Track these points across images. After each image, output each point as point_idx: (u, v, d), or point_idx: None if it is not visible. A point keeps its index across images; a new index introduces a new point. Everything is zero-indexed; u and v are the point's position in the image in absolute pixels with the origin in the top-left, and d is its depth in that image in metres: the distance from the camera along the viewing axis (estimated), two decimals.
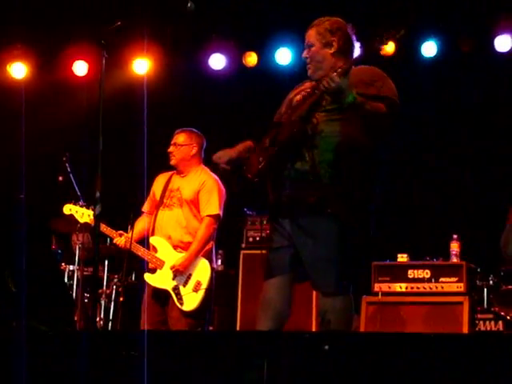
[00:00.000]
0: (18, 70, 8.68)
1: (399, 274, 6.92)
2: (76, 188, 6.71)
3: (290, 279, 4.28)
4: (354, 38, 4.43)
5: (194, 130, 6.30)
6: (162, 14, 7.72)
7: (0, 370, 3.07)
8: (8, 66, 8.69)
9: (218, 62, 8.66)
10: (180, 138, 6.23)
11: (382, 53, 8.03)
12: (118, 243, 6.10)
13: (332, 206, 4.14)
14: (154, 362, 2.92)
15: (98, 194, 4.01)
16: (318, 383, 2.91)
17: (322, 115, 4.21)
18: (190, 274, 5.97)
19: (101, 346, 3.09)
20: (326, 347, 2.94)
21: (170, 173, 6.30)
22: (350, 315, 4.31)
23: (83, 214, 6.21)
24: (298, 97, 4.40)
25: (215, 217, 6.07)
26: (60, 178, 6.79)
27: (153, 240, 6.08)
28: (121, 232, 6.10)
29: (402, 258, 7.04)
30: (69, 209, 6.26)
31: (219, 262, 6.30)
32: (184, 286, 5.95)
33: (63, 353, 3.10)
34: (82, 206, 6.25)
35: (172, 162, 6.21)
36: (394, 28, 4.27)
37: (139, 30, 8.08)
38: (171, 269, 5.96)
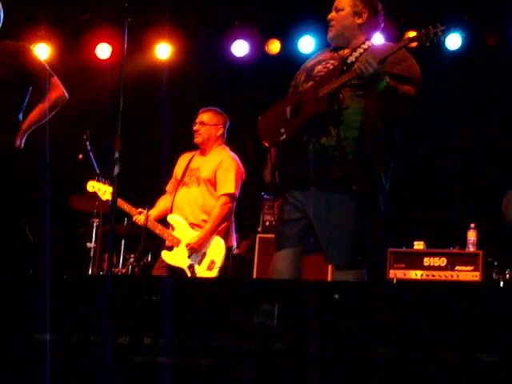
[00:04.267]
0: (42, 51, 8.73)
1: (415, 261, 6.93)
2: (95, 166, 6.76)
3: (300, 251, 4.25)
4: (382, 16, 4.41)
5: (218, 109, 6.34)
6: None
7: (24, 317, 3.13)
8: (32, 47, 8.75)
9: (240, 48, 8.67)
10: (205, 116, 6.27)
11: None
12: (137, 221, 6.15)
13: (356, 183, 4.10)
14: (174, 306, 2.98)
15: (116, 155, 4.05)
16: (328, 331, 2.95)
17: (348, 90, 4.16)
18: (205, 253, 6.01)
19: (122, 290, 3.14)
20: (336, 296, 2.96)
21: (193, 152, 6.34)
22: None
23: (105, 192, 6.27)
24: (320, 67, 4.33)
25: (230, 195, 6.09)
26: (80, 156, 6.84)
27: (170, 218, 6.12)
28: (140, 210, 6.15)
29: (419, 245, 7.04)
30: (92, 186, 6.33)
31: (235, 244, 6.29)
32: (199, 264, 5.99)
33: (85, 297, 3.16)
34: (104, 184, 6.30)
35: (197, 140, 6.24)
36: (435, 24, 4.19)
37: (162, 14, 8.18)
38: (186, 247, 6.00)
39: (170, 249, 6.07)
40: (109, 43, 8.76)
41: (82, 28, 8.71)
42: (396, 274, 6.89)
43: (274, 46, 8.64)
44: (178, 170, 6.29)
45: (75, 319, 3.12)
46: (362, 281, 4.18)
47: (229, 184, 6.09)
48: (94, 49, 8.81)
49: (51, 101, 5.01)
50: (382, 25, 4.47)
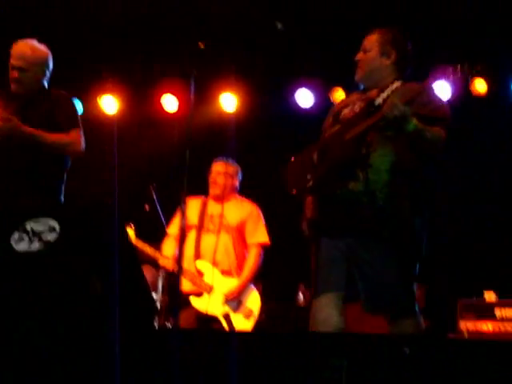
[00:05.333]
0: (109, 104, 8.89)
1: (486, 312, 6.77)
2: (161, 217, 6.80)
3: (343, 296, 4.07)
4: (411, 55, 4.33)
5: (231, 159, 6.40)
6: (250, 48, 7.86)
7: (95, 371, 3.14)
8: (99, 99, 8.92)
9: (305, 98, 8.68)
10: (223, 167, 6.29)
11: (473, 92, 8.01)
12: (164, 265, 6.16)
13: (387, 230, 3.97)
14: (240, 361, 2.95)
15: (183, 207, 4.08)
16: None
17: (376, 132, 4.04)
18: (241, 301, 6.03)
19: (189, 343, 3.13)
20: (407, 350, 2.88)
21: (201, 197, 6.37)
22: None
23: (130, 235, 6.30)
24: (347, 111, 4.24)
25: (264, 245, 6.21)
26: (146, 208, 6.89)
27: (199, 264, 6.12)
28: (166, 255, 6.18)
29: (489, 295, 6.88)
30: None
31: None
32: (234, 312, 5.98)
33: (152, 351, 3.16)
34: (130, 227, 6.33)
35: (215, 191, 6.28)
36: (473, 63, 4.13)
37: (228, 66, 8.26)
38: (225, 295, 5.99)
39: (200, 295, 6.05)
40: (175, 95, 8.87)
41: (148, 80, 8.84)
42: (466, 325, 6.73)
43: (339, 94, 8.63)
44: (192, 214, 6.26)
45: (144, 373, 3.11)
46: (420, 329, 4.05)
47: (263, 234, 6.21)
48: (161, 101, 8.92)
49: (65, 139, 4.92)
50: (413, 63, 4.35)
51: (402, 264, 4.02)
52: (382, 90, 4.16)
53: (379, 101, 4.08)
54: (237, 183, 6.37)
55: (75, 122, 4.97)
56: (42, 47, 5.06)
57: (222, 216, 6.16)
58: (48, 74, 5.07)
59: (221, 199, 6.24)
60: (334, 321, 3.99)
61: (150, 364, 3.13)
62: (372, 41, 4.29)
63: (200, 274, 6.11)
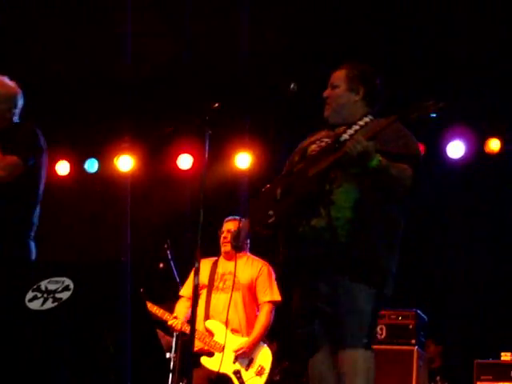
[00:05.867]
0: (125, 163, 8.96)
1: (502, 373, 6.70)
2: (175, 275, 6.79)
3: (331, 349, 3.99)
4: (380, 90, 4.22)
5: (242, 218, 6.40)
6: (264, 106, 7.93)
7: None
8: (115, 159, 9.00)
9: None
10: (235, 225, 6.26)
11: (486, 151, 8.05)
12: (173, 325, 6.16)
13: (349, 269, 3.87)
14: None
15: (196, 265, 4.09)
16: None
17: (341, 169, 3.93)
18: (252, 359, 6.00)
19: None
20: None
21: (213, 258, 6.37)
22: (370, 371, 3.89)
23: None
24: (314, 147, 4.14)
25: (276, 303, 6.16)
26: (161, 265, 6.89)
27: (208, 323, 6.11)
28: (175, 315, 6.18)
29: (506, 356, 6.81)
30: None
31: None
32: (246, 369, 5.95)
33: None
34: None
35: (226, 249, 6.26)
36: (432, 100, 3.85)
37: (242, 124, 8.34)
38: (235, 352, 5.96)
39: (211, 355, 6.02)
40: (190, 154, 8.93)
41: (164, 139, 8.92)
42: None
43: None
44: (203, 275, 6.22)
45: None
46: (370, 363, 3.88)
47: (274, 291, 6.17)
48: (176, 160, 8.99)
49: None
50: (383, 97, 4.23)
51: (359, 298, 3.88)
52: (350, 127, 4.07)
53: (345, 137, 3.99)
54: (247, 241, 6.36)
55: (20, 150, 4.67)
56: (11, 84, 4.96)
57: (229, 274, 6.16)
58: (17, 111, 4.93)
59: (232, 257, 6.24)
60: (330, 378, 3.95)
61: None
62: (340, 77, 4.19)
63: (210, 333, 6.09)
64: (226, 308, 5.96)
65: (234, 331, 6.07)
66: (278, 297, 6.17)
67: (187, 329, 6.07)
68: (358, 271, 3.90)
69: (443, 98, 3.81)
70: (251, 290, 6.18)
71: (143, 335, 3.51)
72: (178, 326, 6.14)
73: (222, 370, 5.93)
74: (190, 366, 4.65)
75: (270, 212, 4.02)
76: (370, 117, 4.16)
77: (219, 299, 6.14)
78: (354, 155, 3.78)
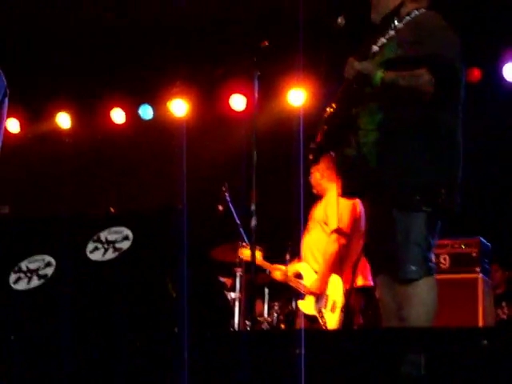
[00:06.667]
0: (179, 107, 8.95)
1: None
2: (235, 217, 6.82)
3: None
4: None
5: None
6: (316, 41, 7.81)
7: (163, 375, 3.17)
8: (168, 103, 9.00)
9: None
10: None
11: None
12: (274, 277, 6.20)
13: (386, 196, 3.74)
14: (312, 359, 2.94)
15: (253, 207, 4.09)
16: (477, 379, 2.81)
17: (359, 91, 3.84)
18: (327, 295, 5.95)
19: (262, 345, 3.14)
20: (485, 342, 2.80)
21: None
22: (427, 301, 3.78)
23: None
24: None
25: (337, 231, 5.90)
26: (220, 208, 6.91)
27: (299, 267, 6.14)
28: (276, 266, 6.24)
29: None
30: (245, 254, 6.38)
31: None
32: (325, 308, 5.95)
33: (224, 353, 3.17)
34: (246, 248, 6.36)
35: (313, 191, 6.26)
36: None
37: (294, 59, 8.23)
38: (308, 293, 6.03)
39: (304, 297, 6.09)
40: (243, 94, 8.88)
41: (216, 81, 8.88)
42: None
43: None
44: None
45: (215, 376, 3.13)
46: (433, 291, 3.77)
47: (332, 219, 5.91)
48: (229, 101, 8.95)
49: None
50: None
51: (403, 224, 3.74)
52: (382, 34, 3.90)
53: (375, 48, 3.91)
54: (324, 177, 6.20)
55: None
56: None
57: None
58: None
59: (320, 197, 6.21)
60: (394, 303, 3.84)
61: (221, 365, 3.15)
62: None
63: (300, 276, 6.14)
64: (306, 249, 6.07)
65: (316, 271, 6.06)
66: (334, 224, 5.92)
67: (287, 279, 6.17)
68: (394, 196, 3.75)
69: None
70: (326, 224, 6.04)
71: (203, 279, 3.55)
72: (278, 277, 6.25)
73: (309, 312, 6.00)
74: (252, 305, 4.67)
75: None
76: (414, 11, 3.89)
77: (305, 241, 6.15)
78: (351, 79, 3.77)
